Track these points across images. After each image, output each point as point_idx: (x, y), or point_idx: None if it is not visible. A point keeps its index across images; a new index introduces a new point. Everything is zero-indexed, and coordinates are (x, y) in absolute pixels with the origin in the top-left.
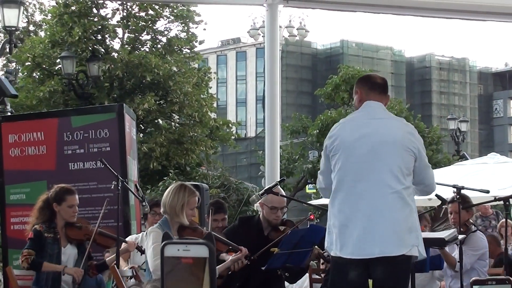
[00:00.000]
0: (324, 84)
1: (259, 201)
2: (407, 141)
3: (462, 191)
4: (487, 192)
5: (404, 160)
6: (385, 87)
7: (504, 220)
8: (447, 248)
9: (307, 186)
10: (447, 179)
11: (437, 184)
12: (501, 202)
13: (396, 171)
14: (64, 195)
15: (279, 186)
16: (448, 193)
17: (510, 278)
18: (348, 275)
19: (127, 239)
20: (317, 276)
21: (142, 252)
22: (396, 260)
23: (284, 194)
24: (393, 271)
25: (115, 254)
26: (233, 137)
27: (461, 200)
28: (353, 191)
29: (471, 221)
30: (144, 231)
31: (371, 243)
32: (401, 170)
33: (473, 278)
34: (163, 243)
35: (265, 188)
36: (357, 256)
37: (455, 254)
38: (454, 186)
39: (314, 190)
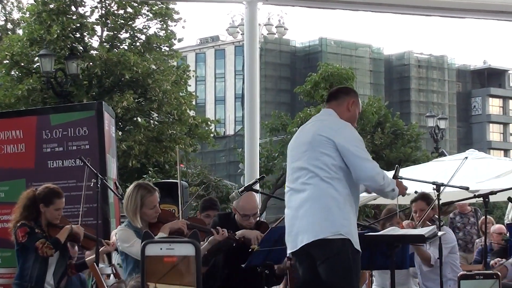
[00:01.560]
0: (303, 82)
1: (233, 206)
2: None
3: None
4: (467, 188)
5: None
6: (331, 95)
7: (484, 217)
8: None
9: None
10: (426, 175)
11: (417, 181)
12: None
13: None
14: (53, 198)
15: (257, 185)
16: (428, 190)
17: (498, 273)
18: None
19: (111, 234)
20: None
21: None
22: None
23: (262, 192)
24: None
25: (93, 255)
26: (212, 135)
27: (422, 198)
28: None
29: (450, 217)
30: None
31: None
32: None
33: (460, 273)
34: (143, 242)
35: (244, 186)
36: None
37: (427, 249)
38: (433, 183)
39: None
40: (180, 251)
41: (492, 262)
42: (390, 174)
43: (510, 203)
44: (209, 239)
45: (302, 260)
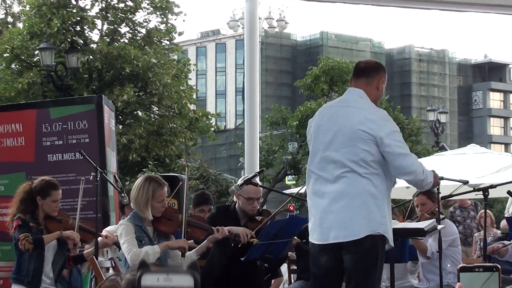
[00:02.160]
0: (303, 76)
1: (235, 192)
2: (363, 128)
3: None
4: (466, 182)
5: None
6: (360, 71)
7: (483, 210)
8: None
9: (286, 177)
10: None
11: None
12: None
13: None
14: (49, 190)
15: (257, 178)
16: None
17: (498, 265)
18: None
19: (107, 228)
20: (296, 267)
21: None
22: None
23: (262, 185)
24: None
25: (93, 248)
26: (212, 129)
27: (425, 192)
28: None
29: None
30: None
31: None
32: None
33: (460, 265)
34: (139, 271)
35: (244, 179)
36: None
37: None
38: None
39: (294, 182)
40: (178, 282)
41: (495, 245)
42: None
43: (510, 197)
44: (209, 237)
45: (328, 251)
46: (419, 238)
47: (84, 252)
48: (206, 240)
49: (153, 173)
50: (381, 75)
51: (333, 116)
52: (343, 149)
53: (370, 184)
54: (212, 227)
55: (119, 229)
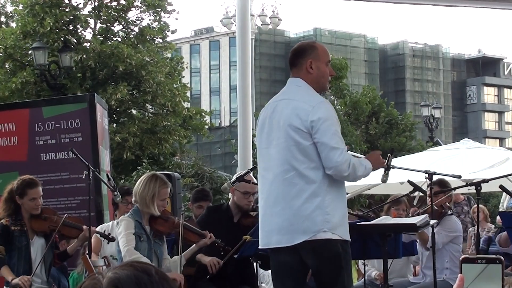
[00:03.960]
0: None
1: (231, 187)
2: (295, 119)
3: (440, 176)
4: (459, 177)
5: (297, 140)
6: (289, 62)
7: (476, 205)
8: None
9: None
10: (419, 164)
11: (409, 169)
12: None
13: (288, 155)
14: (25, 189)
15: (251, 174)
16: (420, 179)
17: (501, 257)
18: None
19: (100, 226)
20: None
21: (109, 239)
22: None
23: (256, 182)
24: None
25: (75, 243)
26: (206, 126)
27: (440, 185)
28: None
29: (449, 205)
30: (115, 220)
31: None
32: (294, 152)
33: (463, 256)
34: None
35: (237, 176)
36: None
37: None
38: (426, 172)
39: None
40: None
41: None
42: None
43: (504, 192)
44: (198, 242)
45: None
46: (412, 233)
47: (67, 248)
48: (195, 245)
49: (148, 171)
50: (308, 56)
51: (273, 111)
52: (280, 145)
53: (309, 181)
54: (206, 233)
55: (119, 223)
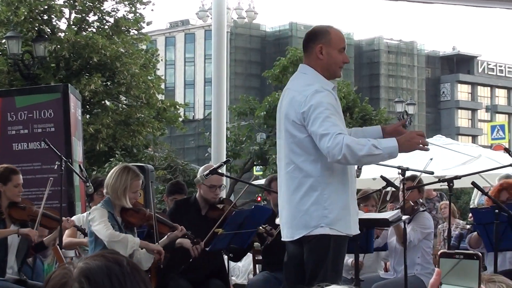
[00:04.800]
0: (272, 66)
1: (197, 182)
2: (291, 111)
3: (412, 173)
4: (431, 173)
5: (293, 133)
6: (303, 46)
7: (445, 201)
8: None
9: (254, 168)
10: (392, 160)
11: (382, 165)
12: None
13: (287, 148)
14: (10, 175)
15: (224, 168)
16: (393, 174)
17: (479, 253)
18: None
19: (72, 218)
20: (261, 257)
21: (85, 234)
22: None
23: (228, 176)
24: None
25: (52, 234)
26: (180, 119)
27: (413, 181)
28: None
29: (422, 201)
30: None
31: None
32: (292, 145)
33: (441, 251)
34: None
35: (209, 169)
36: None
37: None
38: (398, 167)
39: (261, 172)
40: None
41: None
42: None
43: (475, 188)
44: (169, 234)
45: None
46: (384, 228)
47: (44, 239)
48: (166, 237)
49: (120, 163)
50: (319, 41)
51: (281, 101)
52: (282, 137)
53: (307, 174)
54: (177, 225)
55: (92, 214)
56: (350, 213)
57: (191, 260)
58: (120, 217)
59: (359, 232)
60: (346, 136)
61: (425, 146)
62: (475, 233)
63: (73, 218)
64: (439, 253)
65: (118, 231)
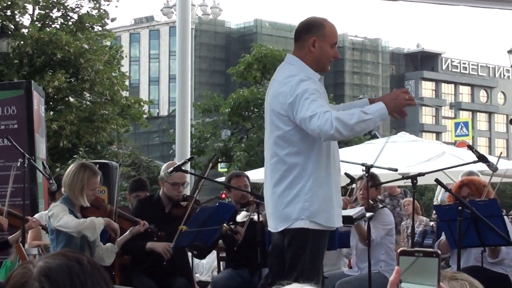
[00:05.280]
0: (237, 63)
1: (160, 180)
2: (275, 103)
3: (371, 170)
4: (395, 170)
5: (278, 125)
6: (295, 36)
7: (408, 198)
8: None
9: (219, 164)
10: (357, 157)
11: (347, 162)
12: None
13: (271, 140)
14: None
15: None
16: (357, 171)
17: (439, 251)
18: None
19: (35, 216)
20: (225, 254)
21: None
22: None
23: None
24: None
25: (18, 232)
26: (145, 116)
27: (370, 178)
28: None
29: (380, 198)
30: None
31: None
32: (275, 137)
33: (401, 249)
34: None
35: (174, 166)
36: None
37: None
38: (363, 164)
39: (226, 169)
40: None
41: None
42: None
43: (438, 185)
44: (131, 229)
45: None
46: (348, 225)
47: (9, 237)
48: (128, 232)
49: (84, 160)
50: (313, 34)
51: (267, 93)
52: (267, 129)
53: (290, 167)
54: (139, 220)
55: (51, 211)
56: (333, 206)
57: (155, 258)
58: (80, 213)
59: (342, 225)
60: (334, 111)
61: (412, 101)
62: (444, 238)
63: (36, 215)
64: (398, 251)
65: None
